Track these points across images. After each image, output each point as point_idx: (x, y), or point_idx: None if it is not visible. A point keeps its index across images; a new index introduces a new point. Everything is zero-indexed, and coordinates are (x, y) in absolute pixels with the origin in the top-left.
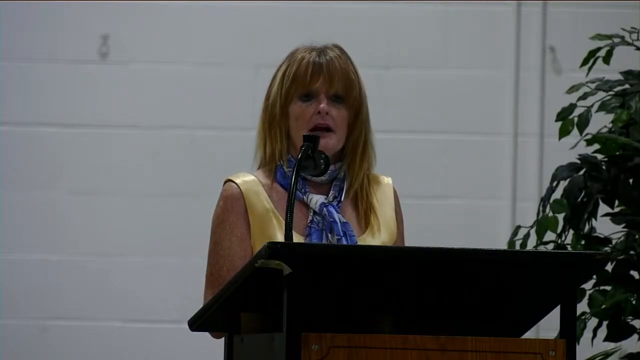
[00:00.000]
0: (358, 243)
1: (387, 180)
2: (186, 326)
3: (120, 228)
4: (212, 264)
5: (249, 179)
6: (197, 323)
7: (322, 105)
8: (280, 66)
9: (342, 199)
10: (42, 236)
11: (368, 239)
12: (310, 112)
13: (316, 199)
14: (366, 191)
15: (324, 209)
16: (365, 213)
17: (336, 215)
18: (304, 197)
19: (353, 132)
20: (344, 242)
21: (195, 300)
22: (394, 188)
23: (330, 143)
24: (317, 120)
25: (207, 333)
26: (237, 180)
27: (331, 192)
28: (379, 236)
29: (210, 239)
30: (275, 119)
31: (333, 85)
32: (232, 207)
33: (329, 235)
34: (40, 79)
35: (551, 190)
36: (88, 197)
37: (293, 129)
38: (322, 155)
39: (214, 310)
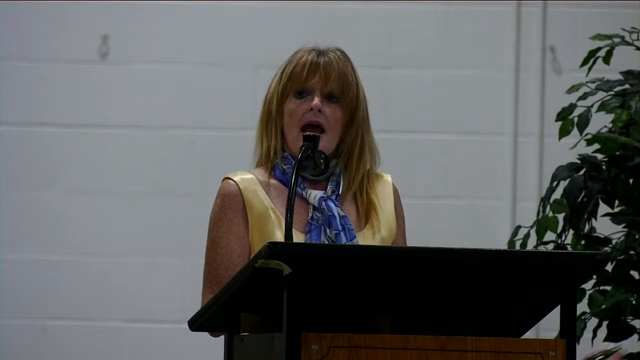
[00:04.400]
0: (357, 239)
1: (387, 177)
2: (186, 326)
3: (120, 228)
4: (210, 262)
5: (246, 177)
6: (197, 323)
7: (314, 102)
8: (281, 66)
9: (340, 192)
10: (42, 236)
11: (367, 235)
12: (304, 109)
13: (315, 194)
14: (366, 189)
15: (323, 202)
16: (365, 210)
17: (335, 209)
18: (303, 193)
19: (348, 134)
20: (342, 236)
21: (195, 300)
22: (393, 185)
23: (320, 144)
24: (309, 118)
25: (207, 333)
26: (235, 178)
27: (329, 187)
28: (379, 233)
29: (207, 237)
30: (271, 116)
31: (328, 84)
32: (229, 205)
33: (327, 230)
34: (40, 79)
35: (551, 190)
36: (88, 197)
37: (287, 125)
38: (322, 155)
39: (214, 310)
